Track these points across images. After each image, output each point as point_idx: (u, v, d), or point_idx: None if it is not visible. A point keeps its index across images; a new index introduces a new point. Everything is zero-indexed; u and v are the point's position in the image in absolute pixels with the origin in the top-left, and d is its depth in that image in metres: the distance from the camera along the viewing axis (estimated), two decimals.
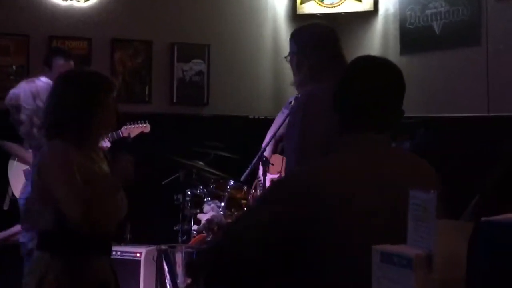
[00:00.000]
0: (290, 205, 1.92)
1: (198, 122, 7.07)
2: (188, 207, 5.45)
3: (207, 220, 4.73)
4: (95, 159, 3.11)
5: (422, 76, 6.31)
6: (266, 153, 4.51)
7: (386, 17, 6.97)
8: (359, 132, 2.04)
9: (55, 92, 3.10)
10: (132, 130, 6.14)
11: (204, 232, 4.76)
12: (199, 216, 4.96)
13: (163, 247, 4.13)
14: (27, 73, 6.34)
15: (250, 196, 4.90)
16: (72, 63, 5.46)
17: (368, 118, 2.04)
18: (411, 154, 2.20)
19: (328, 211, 1.89)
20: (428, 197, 1.41)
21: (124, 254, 5.67)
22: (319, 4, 7.32)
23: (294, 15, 7.41)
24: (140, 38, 6.98)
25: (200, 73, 7.21)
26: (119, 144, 5.87)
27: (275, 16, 7.50)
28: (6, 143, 5.83)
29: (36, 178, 3.00)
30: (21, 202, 5.48)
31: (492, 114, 5.74)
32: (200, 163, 5.77)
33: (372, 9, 7.10)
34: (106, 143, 5.47)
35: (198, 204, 5.29)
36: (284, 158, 4.17)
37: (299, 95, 3.40)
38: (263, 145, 4.55)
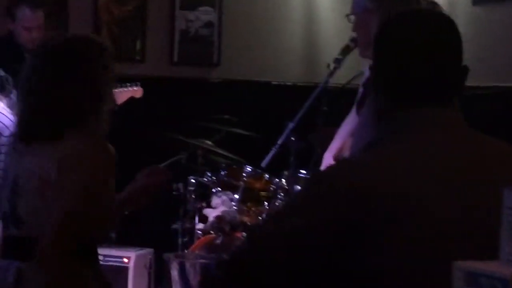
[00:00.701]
0: (340, 210, 1.82)
1: (205, 89, 6.77)
2: (192, 200, 5.27)
3: (217, 217, 4.70)
4: None
5: (501, 33, 5.99)
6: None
7: None
8: (411, 107, 1.89)
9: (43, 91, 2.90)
10: (119, 95, 5.53)
11: (212, 232, 4.73)
12: (206, 211, 4.92)
13: (171, 255, 4.07)
14: None
15: (273, 187, 4.77)
16: (41, 13, 5.32)
17: (418, 84, 1.89)
18: (496, 139, 2.00)
19: (392, 217, 1.77)
20: None
21: (108, 259, 5.34)
22: None
23: None
24: None
25: (209, 24, 6.83)
26: None
27: None
28: None
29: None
30: None
31: None
32: (208, 142, 5.68)
33: None
34: None
35: (204, 196, 5.17)
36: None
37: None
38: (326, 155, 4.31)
